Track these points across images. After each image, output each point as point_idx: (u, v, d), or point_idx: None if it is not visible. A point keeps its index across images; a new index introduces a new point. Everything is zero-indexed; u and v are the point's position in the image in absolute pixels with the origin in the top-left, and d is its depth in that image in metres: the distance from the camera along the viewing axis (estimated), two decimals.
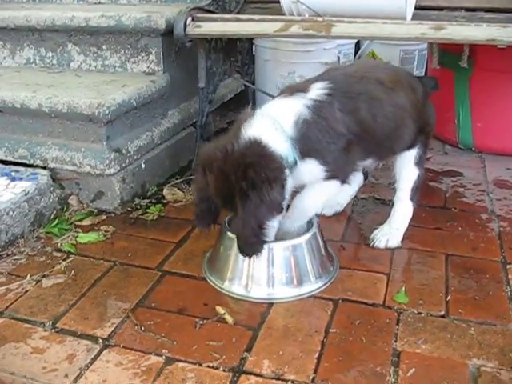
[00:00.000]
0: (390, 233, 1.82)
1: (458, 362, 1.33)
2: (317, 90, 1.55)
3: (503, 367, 1.31)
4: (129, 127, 2.08)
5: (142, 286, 1.63)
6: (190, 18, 1.98)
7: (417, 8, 2.21)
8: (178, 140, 2.34)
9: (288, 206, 1.61)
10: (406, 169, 1.78)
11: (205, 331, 1.44)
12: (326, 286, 1.62)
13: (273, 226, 1.54)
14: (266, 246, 1.52)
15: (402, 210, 1.82)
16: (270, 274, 1.58)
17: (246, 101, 2.76)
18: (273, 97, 2.56)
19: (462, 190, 2.21)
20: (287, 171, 1.49)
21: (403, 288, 1.59)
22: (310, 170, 1.55)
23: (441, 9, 2.29)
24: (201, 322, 1.47)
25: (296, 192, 1.64)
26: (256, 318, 1.49)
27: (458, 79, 2.48)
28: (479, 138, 2.51)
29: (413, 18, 2.12)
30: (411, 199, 1.81)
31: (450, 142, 2.63)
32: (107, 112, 1.91)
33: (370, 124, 1.59)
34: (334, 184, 1.60)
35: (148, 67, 2.27)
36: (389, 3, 1.96)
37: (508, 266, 1.70)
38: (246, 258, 1.56)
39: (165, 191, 2.14)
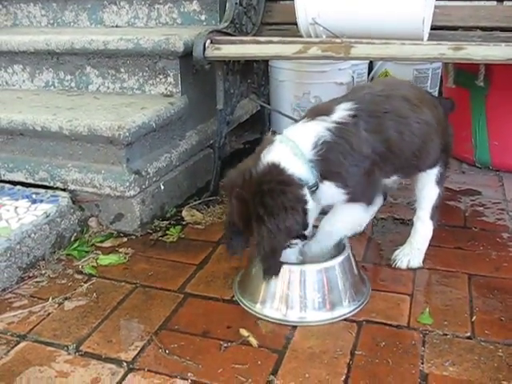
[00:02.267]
0: (412, 253, 1.81)
1: None
2: (341, 112, 1.54)
3: None
4: (148, 149, 2.10)
5: (165, 308, 1.63)
6: (208, 41, 2.00)
7: (432, 28, 2.22)
8: (195, 161, 2.36)
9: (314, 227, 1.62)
10: (427, 188, 1.78)
11: (230, 354, 1.43)
12: (359, 309, 1.60)
13: (293, 248, 1.56)
14: (298, 269, 1.55)
15: (423, 230, 1.82)
16: (302, 298, 1.58)
17: (261, 122, 2.77)
18: (289, 117, 2.60)
19: (481, 208, 2.20)
20: (308, 195, 1.49)
21: (427, 309, 1.58)
22: (331, 192, 1.54)
23: (456, 28, 2.31)
24: (225, 345, 1.46)
25: (324, 214, 1.64)
26: (280, 340, 1.48)
27: (474, 98, 2.48)
28: (496, 156, 2.51)
29: (429, 39, 2.14)
30: (431, 218, 1.80)
31: (467, 161, 2.62)
32: (127, 134, 1.92)
33: (398, 142, 1.58)
34: (359, 207, 1.59)
35: (166, 89, 2.29)
36: (406, 24, 1.97)
37: None
38: (278, 281, 1.57)
39: (184, 213, 2.15)
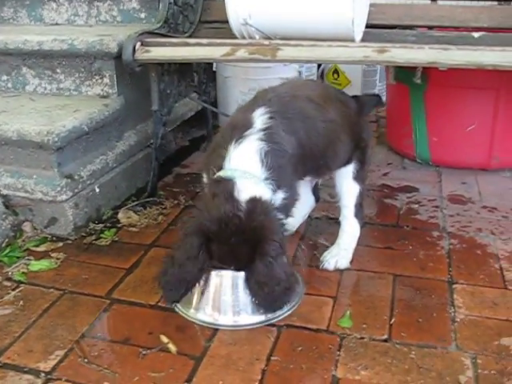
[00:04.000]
0: (339, 254, 1.83)
1: None
2: (260, 118, 1.55)
3: None
4: (81, 152, 2.08)
5: (90, 315, 1.63)
6: (139, 43, 1.98)
7: (369, 26, 2.24)
8: (134, 162, 2.34)
9: None
10: (346, 184, 1.80)
11: (148, 361, 1.44)
12: (291, 311, 1.62)
13: None
14: (230, 274, 1.55)
15: (349, 230, 1.84)
16: (234, 302, 1.58)
17: (205, 119, 2.77)
18: (227, 116, 2.61)
19: (416, 206, 2.23)
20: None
21: (348, 312, 1.60)
22: (277, 200, 1.55)
23: (393, 27, 2.32)
24: (144, 352, 1.47)
25: None
26: (200, 346, 1.49)
27: (414, 94, 2.50)
28: (436, 152, 2.54)
29: (364, 37, 2.16)
30: (356, 216, 1.83)
31: (408, 157, 2.65)
32: (56, 139, 1.90)
33: (307, 142, 1.60)
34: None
35: (102, 90, 2.27)
36: (336, 25, 1.98)
37: (454, 286, 1.72)
38: (211, 286, 1.58)
39: (120, 215, 2.14)
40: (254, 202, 1.47)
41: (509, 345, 1.47)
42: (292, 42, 1.88)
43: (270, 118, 1.55)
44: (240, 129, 1.54)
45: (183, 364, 1.43)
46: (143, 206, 2.21)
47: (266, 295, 1.51)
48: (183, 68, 2.33)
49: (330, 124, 1.66)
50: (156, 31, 2.10)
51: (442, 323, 1.56)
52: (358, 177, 1.79)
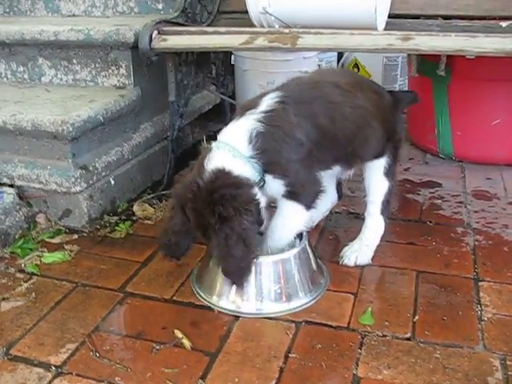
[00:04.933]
0: (360, 250, 1.77)
1: None
2: (268, 101, 1.52)
3: None
4: (97, 143, 2.04)
5: (103, 308, 1.59)
6: (155, 32, 1.94)
7: (392, 16, 2.17)
8: (150, 154, 2.30)
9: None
10: (376, 180, 1.74)
11: (161, 357, 1.40)
12: (315, 300, 1.59)
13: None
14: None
15: (373, 226, 1.78)
16: (258, 290, 1.56)
17: (223, 112, 2.72)
18: None
19: (439, 201, 2.16)
20: (257, 193, 1.47)
21: (369, 309, 1.54)
22: (273, 185, 1.51)
23: (417, 17, 2.25)
24: (157, 347, 1.43)
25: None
26: (215, 342, 1.44)
27: (437, 87, 2.43)
28: (459, 146, 2.46)
29: (387, 27, 2.09)
30: (382, 214, 1.77)
31: (431, 152, 2.58)
32: (71, 129, 1.87)
33: (329, 128, 1.55)
34: (299, 210, 1.55)
35: (118, 81, 2.23)
36: (358, 13, 1.92)
37: (480, 283, 1.65)
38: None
39: (135, 207, 2.10)
40: (220, 173, 1.44)
41: None
42: (312, 31, 1.82)
43: (278, 102, 1.51)
44: (245, 109, 1.54)
45: (198, 360, 1.38)
46: (159, 198, 2.17)
47: (222, 268, 1.48)
48: (201, 59, 2.28)
49: (359, 110, 1.60)
50: (173, 20, 2.05)
51: (468, 322, 1.49)
52: (389, 172, 1.73)
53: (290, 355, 1.39)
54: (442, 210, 2.10)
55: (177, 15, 2.09)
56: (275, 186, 1.51)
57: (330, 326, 1.49)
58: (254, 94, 2.87)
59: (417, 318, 1.51)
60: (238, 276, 1.48)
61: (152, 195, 2.19)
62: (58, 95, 2.15)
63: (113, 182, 2.08)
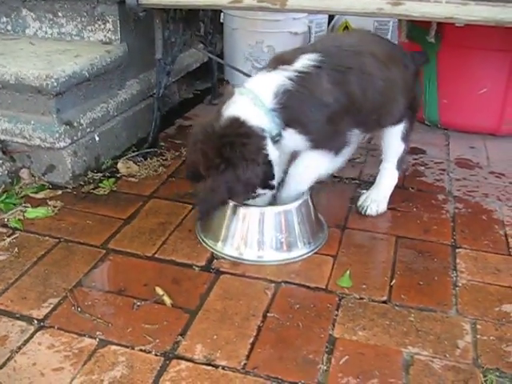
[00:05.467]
0: (378, 199, 1.86)
1: (392, 350, 1.32)
2: (304, 61, 1.55)
3: (437, 355, 1.30)
4: (82, 99, 2.02)
5: (85, 264, 1.60)
6: None
7: None
8: (136, 111, 2.29)
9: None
10: (394, 143, 1.83)
11: (142, 313, 1.42)
12: (313, 252, 1.66)
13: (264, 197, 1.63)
14: (257, 211, 1.61)
15: (389, 178, 1.88)
16: (260, 238, 1.63)
17: (210, 71, 2.69)
18: (235, 69, 2.54)
19: (422, 168, 2.18)
20: (269, 146, 1.52)
21: (348, 271, 1.57)
22: (294, 139, 1.56)
23: None
24: (138, 304, 1.45)
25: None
26: (195, 299, 1.46)
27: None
28: (445, 114, 2.48)
29: None
30: (398, 169, 1.88)
31: (417, 119, 2.58)
32: (56, 84, 1.84)
33: (359, 97, 1.59)
34: (324, 156, 1.61)
35: (105, 36, 2.19)
36: None
37: (457, 250, 1.69)
38: (239, 220, 1.63)
39: (119, 165, 2.10)
40: (235, 121, 1.49)
41: (509, 311, 1.45)
42: None
43: (315, 66, 1.54)
44: (279, 61, 1.58)
45: (177, 317, 1.41)
46: (144, 156, 2.17)
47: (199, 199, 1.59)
48: (189, 16, 2.25)
49: (390, 83, 1.66)
50: None
51: (443, 287, 1.53)
52: (406, 136, 1.81)
53: (268, 314, 1.42)
54: (424, 176, 2.12)
55: None
56: (297, 140, 1.57)
57: (309, 288, 1.52)
58: (242, 53, 2.88)
59: (394, 282, 1.55)
60: (209, 211, 1.59)
61: (136, 153, 2.18)
62: (43, 49, 2.11)
63: (97, 138, 2.07)
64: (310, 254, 1.65)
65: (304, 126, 1.54)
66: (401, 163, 1.87)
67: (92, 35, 2.22)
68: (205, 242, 1.70)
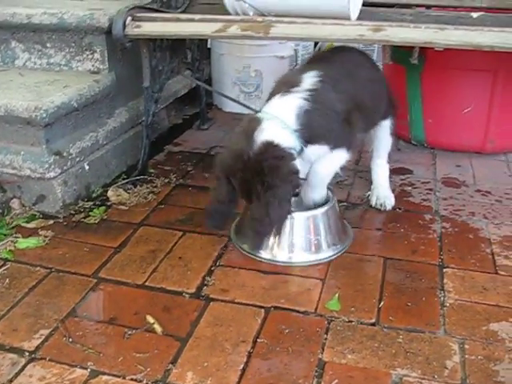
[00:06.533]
0: (386, 194, 2.07)
1: (381, 372, 1.33)
2: (309, 79, 1.70)
3: (425, 376, 1.32)
4: (71, 129, 2.05)
5: (76, 294, 1.61)
6: (129, 18, 1.94)
7: (366, 5, 2.19)
8: (125, 139, 2.31)
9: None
10: (385, 138, 2.04)
11: (133, 342, 1.43)
12: (339, 254, 1.79)
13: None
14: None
15: (385, 173, 2.10)
16: (290, 241, 1.76)
17: (198, 96, 2.73)
18: (220, 94, 2.58)
19: (409, 188, 2.21)
20: (297, 161, 1.64)
21: (337, 294, 1.58)
22: (317, 151, 1.71)
23: (391, 6, 2.28)
24: (130, 332, 1.46)
25: None
26: (186, 327, 1.47)
27: (410, 75, 2.47)
28: (431, 134, 2.51)
29: (361, 16, 2.10)
30: (388, 162, 2.11)
31: (404, 138, 2.62)
32: (44, 115, 1.87)
33: (360, 98, 1.77)
34: (342, 153, 1.75)
35: (93, 65, 2.22)
36: (331, 2, 1.93)
37: (444, 270, 1.71)
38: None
39: (109, 193, 2.12)
40: (269, 145, 1.60)
41: (497, 330, 1.46)
42: (285, 19, 1.83)
43: (319, 81, 1.70)
44: (288, 85, 1.71)
45: (168, 345, 1.42)
46: (133, 184, 2.18)
47: (253, 230, 1.66)
48: (176, 44, 2.29)
49: (376, 84, 1.90)
50: (148, 6, 2.05)
51: (431, 307, 1.55)
52: (393, 131, 2.04)
53: (258, 340, 1.43)
54: (411, 197, 2.15)
55: (151, 1, 2.09)
56: (320, 150, 1.71)
57: (298, 312, 1.53)
58: (230, 78, 2.92)
59: (382, 303, 1.56)
60: (264, 234, 1.67)
61: (126, 180, 2.20)
62: (32, 80, 2.14)
63: (87, 167, 2.09)
64: (337, 255, 1.78)
65: (325, 139, 1.69)
66: (389, 156, 2.09)
67: (80, 65, 2.25)
68: (242, 248, 1.81)
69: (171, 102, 2.71)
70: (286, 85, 1.72)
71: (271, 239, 1.75)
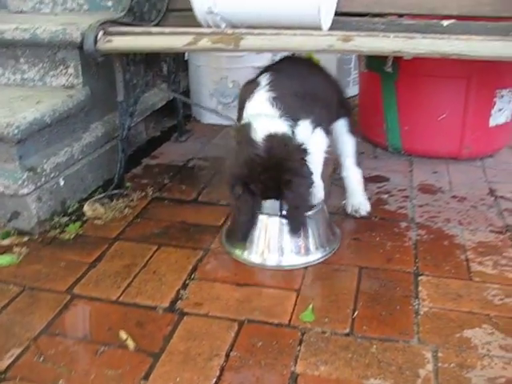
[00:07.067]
0: (362, 199, 2.09)
1: (354, 383, 1.33)
2: (265, 78, 1.82)
3: None
4: (44, 144, 2.04)
5: (49, 311, 1.60)
6: (101, 33, 1.93)
7: (339, 14, 2.20)
8: (101, 153, 2.30)
9: None
10: (344, 137, 2.05)
11: (105, 358, 1.42)
12: (328, 256, 1.82)
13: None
14: (277, 219, 1.78)
15: (357, 176, 2.09)
16: (280, 244, 1.80)
17: (175, 109, 2.73)
18: (198, 106, 2.58)
19: (385, 196, 2.21)
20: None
21: (311, 305, 1.58)
22: (303, 133, 1.75)
23: (363, 15, 2.29)
24: (102, 349, 1.45)
25: None
26: (159, 342, 1.47)
27: (385, 83, 2.48)
28: (407, 141, 2.52)
29: (333, 25, 2.11)
30: (357, 165, 2.09)
31: (381, 146, 2.63)
32: (16, 131, 1.86)
33: (312, 90, 1.84)
34: (321, 135, 1.82)
35: (67, 80, 2.22)
36: (302, 13, 1.94)
37: (419, 278, 1.71)
38: (262, 230, 1.81)
39: (85, 207, 2.10)
40: (270, 138, 1.67)
41: (470, 337, 1.46)
42: (256, 31, 1.84)
43: (274, 76, 1.81)
44: (250, 90, 1.82)
45: (141, 361, 1.41)
46: (110, 198, 2.17)
47: (299, 217, 1.73)
48: (150, 57, 2.29)
49: (325, 82, 1.97)
50: (119, 20, 2.05)
51: (405, 316, 1.55)
52: (351, 130, 2.06)
53: (231, 354, 1.42)
54: (387, 204, 2.15)
55: (123, 15, 2.08)
56: (306, 131, 1.77)
57: (272, 324, 1.53)
58: (208, 89, 2.92)
59: (356, 313, 1.56)
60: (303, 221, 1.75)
61: (102, 195, 2.19)
62: (6, 95, 2.13)
63: (62, 182, 2.08)
64: (325, 257, 1.81)
65: (304, 113, 1.76)
66: (357, 159, 2.09)
67: (54, 80, 2.24)
68: (232, 253, 1.85)
69: (149, 115, 2.71)
70: (248, 91, 1.82)
71: (261, 243, 1.80)
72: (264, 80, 1.81)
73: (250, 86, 1.85)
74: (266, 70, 1.92)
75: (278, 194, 1.70)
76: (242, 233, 1.78)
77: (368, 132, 2.68)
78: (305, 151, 1.70)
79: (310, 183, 1.72)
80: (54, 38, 2.13)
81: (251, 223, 1.76)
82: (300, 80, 1.86)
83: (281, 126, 1.70)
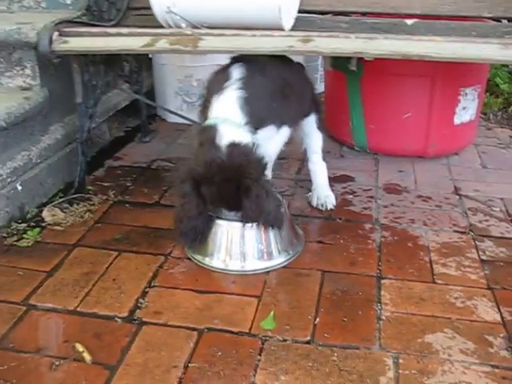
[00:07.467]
0: (328, 192, 2.13)
1: None
2: (237, 70, 1.79)
3: None
4: (0, 149, 1.98)
5: (3, 323, 1.54)
6: (56, 33, 1.88)
7: (302, 12, 2.17)
8: (61, 156, 2.24)
9: None
10: (313, 133, 2.09)
11: (60, 373, 1.37)
12: (292, 260, 1.81)
13: None
14: (239, 225, 1.76)
15: (323, 171, 2.14)
16: (242, 249, 1.77)
17: (138, 108, 2.68)
18: (161, 107, 2.54)
19: (350, 197, 2.20)
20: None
21: (272, 313, 1.56)
22: (266, 135, 1.78)
23: (327, 13, 2.27)
24: (57, 363, 1.40)
25: None
26: (116, 354, 1.43)
27: (350, 82, 2.46)
28: (372, 139, 2.52)
29: (296, 24, 2.09)
30: (324, 160, 2.14)
31: (347, 144, 2.62)
32: None
33: (284, 83, 1.86)
34: (285, 130, 1.87)
35: (24, 82, 2.15)
36: (263, 13, 1.90)
37: (382, 281, 1.70)
38: (224, 236, 1.78)
39: (44, 213, 2.05)
40: (233, 146, 1.66)
41: (431, 342, 1.46)
42: (215, 32, 1.80)
43: (247, 69, 1.79)
44: (220, 82, 1.78)
45: (97, 374, 1.37)
46: (70, 202, 2.11)
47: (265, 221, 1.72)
48: (111, 58, 2.23)
49: (299, 78, 1.99)
50: (77, 20, 1.99)
51: (367, 322, 1.53)
52: (320, 126, 2.09)
53: (189, 365, 1.39)
54: (352, 205, 2.14)
55: (81, 14, 2.03)
56: (269, 133, 1.80)
57: (232, 332, 1.50)
58: (173, 88, 2.88)
59: (318, 320, 1.54)
60: (278, 223, 1.75)
61: (62, 199, 2.13)
62: None
63: (20, 187, 2.02)
64: (289, 261, 1.80)
65: (271, 119, 1.79)
66: (324, 154, 2.14)
67: (11, 81, 2.17)
68: (194, 258, 1.81)
69: (113, 114, 2.66)
70: (217, 83, 1.79)
71: (223, 249, 1.77)
72: (236, 73, 1.78)
73: (220, 77, 1.81)
74: (238, 59, 1.88)
75: (229, 202, 1.70)
76: (185, 238, 1.77)
77: (334, 130, 2.66)
78: (265, 165, 1.71)
79: (268, 196, 1.69)
80: (9, 38, 2.07)
81: (198, 228, 1.74)
82: (274, 74, 1.84)
83: (245, 137, 1.69)
